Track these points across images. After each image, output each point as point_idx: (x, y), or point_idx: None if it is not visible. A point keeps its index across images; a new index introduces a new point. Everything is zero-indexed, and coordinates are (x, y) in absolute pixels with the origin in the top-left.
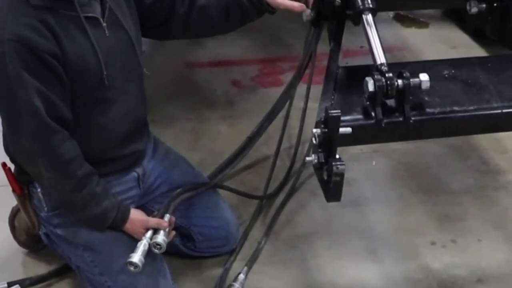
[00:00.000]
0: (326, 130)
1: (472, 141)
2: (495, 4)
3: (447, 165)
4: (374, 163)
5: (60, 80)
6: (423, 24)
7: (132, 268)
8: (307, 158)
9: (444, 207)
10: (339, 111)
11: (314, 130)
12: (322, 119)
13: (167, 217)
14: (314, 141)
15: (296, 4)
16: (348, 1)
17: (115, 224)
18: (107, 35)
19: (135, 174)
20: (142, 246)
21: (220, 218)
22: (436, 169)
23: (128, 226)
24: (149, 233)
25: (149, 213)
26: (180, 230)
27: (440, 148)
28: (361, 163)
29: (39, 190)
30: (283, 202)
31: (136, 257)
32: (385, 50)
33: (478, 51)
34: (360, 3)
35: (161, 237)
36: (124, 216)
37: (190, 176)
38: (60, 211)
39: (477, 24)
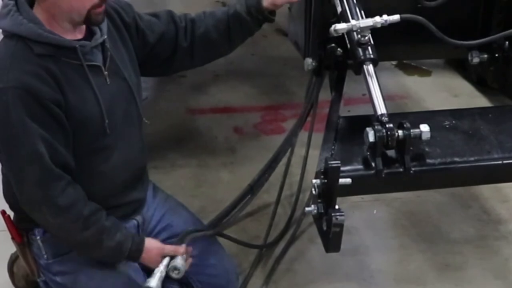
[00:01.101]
0: (326, 180)
1: (473, 190)
2: (496, 55)
3: (448, 214)
4: (375, 211)
5: (63, 127)
6: (425, 72)
7: None
8: (307, 209)
9: (444, 256)
10: (339, 161)
11: (314, 181)
12: (322, 170)
13: (183, 246)
14: (313, 192)
15: None
16: (350, 51)
17: (131, 255)
18: (109, 83)
19: (134, 222)
20: (159, 273)
21: (220, 266)
22: (437, 218)
23: (144, 256)
24: (166, 260)
25: None
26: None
27: (441, 197)
28: (361, 212)
29: (38, 237)
30: (283, 250)
31: (154, 282)
32: (387, 98)
33: (480, 100)
34: (361, 53)
35: (179, 261)
36: (140, 246)
37: (189, 223)
38: (60, 259)
39: (480, 73)
